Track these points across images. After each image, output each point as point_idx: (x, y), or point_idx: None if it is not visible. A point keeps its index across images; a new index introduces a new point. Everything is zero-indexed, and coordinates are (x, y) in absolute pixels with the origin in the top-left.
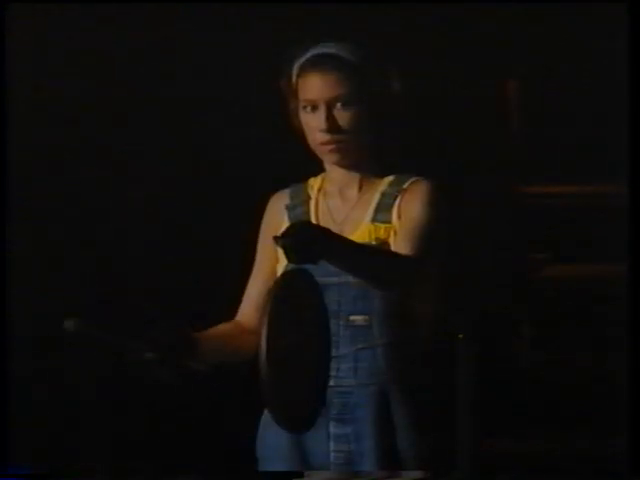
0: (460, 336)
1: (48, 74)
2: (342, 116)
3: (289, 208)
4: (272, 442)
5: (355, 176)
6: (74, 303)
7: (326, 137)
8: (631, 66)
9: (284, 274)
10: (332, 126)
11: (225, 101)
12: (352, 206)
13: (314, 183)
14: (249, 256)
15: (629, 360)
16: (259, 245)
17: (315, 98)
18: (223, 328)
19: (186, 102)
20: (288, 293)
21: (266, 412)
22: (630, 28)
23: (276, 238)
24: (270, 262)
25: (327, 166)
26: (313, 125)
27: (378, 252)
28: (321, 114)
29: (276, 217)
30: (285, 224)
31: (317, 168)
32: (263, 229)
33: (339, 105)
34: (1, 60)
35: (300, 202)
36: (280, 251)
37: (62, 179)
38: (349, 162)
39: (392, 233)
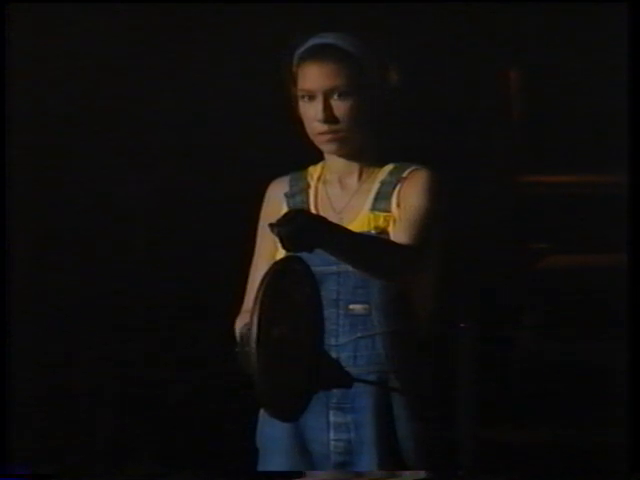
0: (462, 325)
1: (48, 74)
2: (339, 106)
3: (288, 196)
4: (272, 433)
5: (354, 165)
6: (74, 301)
7: (323, 127)
8: (630, 58)
9: (277, 262)
10: (329, 116)
11: (225, 92)
12: (352, 195)
13: (314, 171)
14: (249, 245)
15: (629, 351)
16: (259, 234)
17: (312, 88)
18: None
19: (186, 99)
20: (280, 281)
21: None
22: (630, 28)
23: (272, 225)
24: (270, 250)
25: (326, 155)
26: (310, 115)
27: (376, 241)
28: (318, 104)
29: (275, 205)
30: (283, 212)
31: (317, 156)
32: (262, 217)
33: (336, 95)
34: (1, 60)
35: (299, 190)
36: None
37: (62, 179)
38: (347, 152)
39: (391, 222)
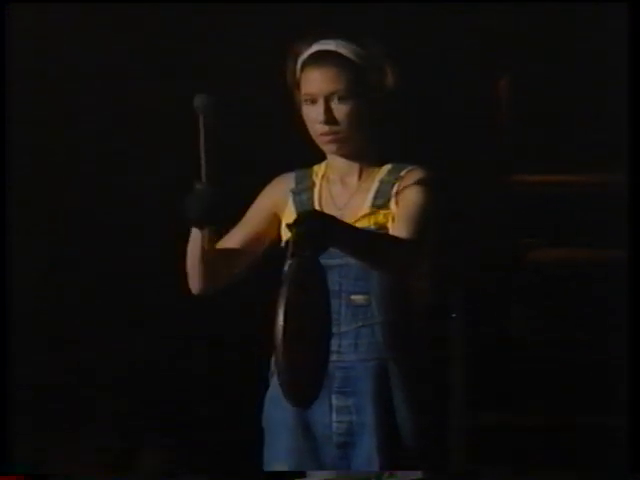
0: (453, 315)
1: (48, 74)
2: (339, 109)
3: (295, 192)
4: (277, 415)
5: (355, 165)
6: (75, 299)
7: (324, 129)
8: (630, 58)
9: (296, 259)
10: (329, 118)
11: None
12: (352, 193)
13: (318, 170)
14: None
15: (629, 352)
16: (253, 207)
17: (314, 92)
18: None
19: (187, 98)
20: (299, 276)
21: (270, 389)
22: (630, 28)
23: (289, 226)
24: (257, 223)
25: (328, 155)
26: (312, 117)
27: (381, 237)
28: (320, 107)
29: (280, 197)
30: (289, 207)
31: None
32: (262, 198)
33: (336, 99)
34: (1, 60)
35: (305, 188)
36: (283, 233)
37: (62, 179)
38: (347, 152)
39: (390, 218)
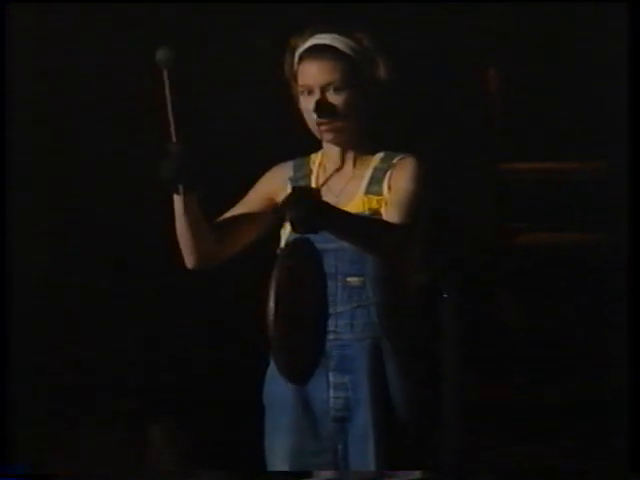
0: (445, 295)
1: (48, 74)
2: (334, 100)
3: (292, 180)
4: (277, 392)
5: (350, 153)
6: (73, 301)
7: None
8: (630, 58)
9: (289, 243)
10: (325, 109)
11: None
12: (348, 180)
13: (315, 158)
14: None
15: (629, 351)
16: (251, 192)
17: (311, 83)
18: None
19: (187, 99)
20: (293, 260)
21: (270, 367)
22: (630, 28)
23: (282, 208)
24: (254, 207)
25: (324, 144)
26: (309, 108)
27: (373, 222)
28: (316, 98)
29: (279, 184)
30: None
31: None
32: (261, 184)
33: (332, 90)
34: (1, 60)
35: (302, 176)
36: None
37: (62, 179)
38: (342, 141)
39: (383, 204)
